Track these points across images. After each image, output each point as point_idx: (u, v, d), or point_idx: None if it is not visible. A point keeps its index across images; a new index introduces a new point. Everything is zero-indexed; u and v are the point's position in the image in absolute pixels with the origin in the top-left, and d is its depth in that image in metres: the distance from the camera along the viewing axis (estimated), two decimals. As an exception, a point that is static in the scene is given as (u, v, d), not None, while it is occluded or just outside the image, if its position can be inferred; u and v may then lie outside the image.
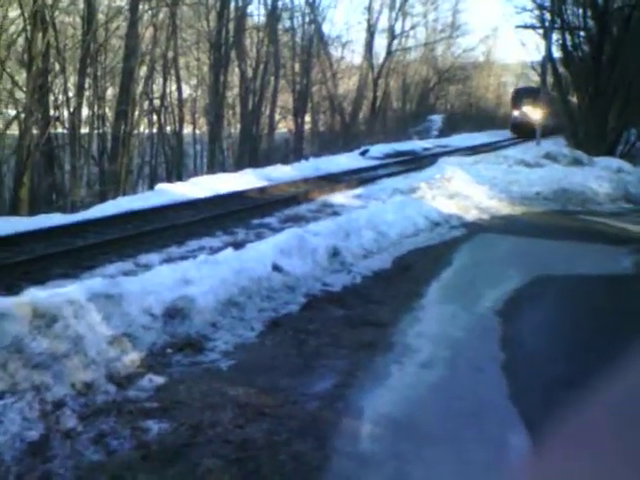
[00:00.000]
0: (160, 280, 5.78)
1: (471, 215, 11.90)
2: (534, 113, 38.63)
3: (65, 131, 20.30)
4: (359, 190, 15.78)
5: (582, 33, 24.19)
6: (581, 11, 23.93)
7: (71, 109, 19.96)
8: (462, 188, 13.77)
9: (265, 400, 4.31)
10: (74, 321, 4.58)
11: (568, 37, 24.36)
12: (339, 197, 14.71)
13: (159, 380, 4.50)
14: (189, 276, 5.98)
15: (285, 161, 23.84)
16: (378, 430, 4.05)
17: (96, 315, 4.81)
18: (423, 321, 6.14)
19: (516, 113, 44.52)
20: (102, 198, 17.12)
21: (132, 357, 4.71)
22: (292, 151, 33.55)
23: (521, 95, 45.17)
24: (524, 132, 39.97)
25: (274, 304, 6.31)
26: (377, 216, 9.88)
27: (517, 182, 14.84)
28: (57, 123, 19.84)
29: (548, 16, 24.67)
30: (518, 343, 5.69)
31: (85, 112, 21.33)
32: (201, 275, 6.06)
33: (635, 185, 15.48)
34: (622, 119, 21.81)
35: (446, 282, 7.66)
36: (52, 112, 19.52)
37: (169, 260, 8.20)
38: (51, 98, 19.69)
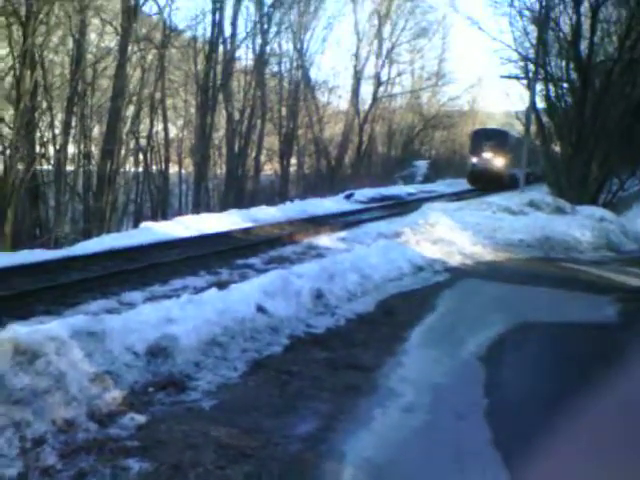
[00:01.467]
0: (143, 318, 5.75)
1: (455, 260, 11.94)
2: (497, 160, 36.35)
3: (51, 168, 20.31)
4: (344, 233, 15.82)
5: (565, 85, 24.58)
6: (564, 63, 24.36)
7: (57, 146, 20.02)
8: (446, 234, 13.83)
9: (247, 441, 4.27)
10: (56, 358, 4.54)
11: (552, 88, 24.75)
12: (324, 240, 14.73)
13: (141, 419, 4.45)
14: (172, 315, 5.96)
15: (270, 203, 23.91)
16: (360, 474, 4.02)
17: (78, 352, 4.78)
18: (406, 365, 6.13)
19: (475, 160, 37.60)
20: (86, 235, 17.10)
21: (114, 395, 4.67)
22: (277, 193, 33.70)
23: (481, 138, 38.32)
24: (484, 182, 34.86)
25: (257, 345, 6.29)
26: (361, 260, 9.90)
27: (501, 229, 14.94)
28: (43, 160, 19.85)
29: (532, 67, 25.03)
30: (501, 390, 5.69)
31: (71, 150, 21.38)
32: (185, 314, 6.04)
33: (617, 234, 15.62)
34: (604, 168, 22.06)
35: (429, 327, 7.66)
36: (38, 149, 19.54)
37: (152, 299, 8.17)
38: (37, 135, 19.73)
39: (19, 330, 4.71)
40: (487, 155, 36.77)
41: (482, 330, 7.50)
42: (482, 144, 37.34)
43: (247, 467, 3.94)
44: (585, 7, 23.13)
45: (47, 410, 4.11)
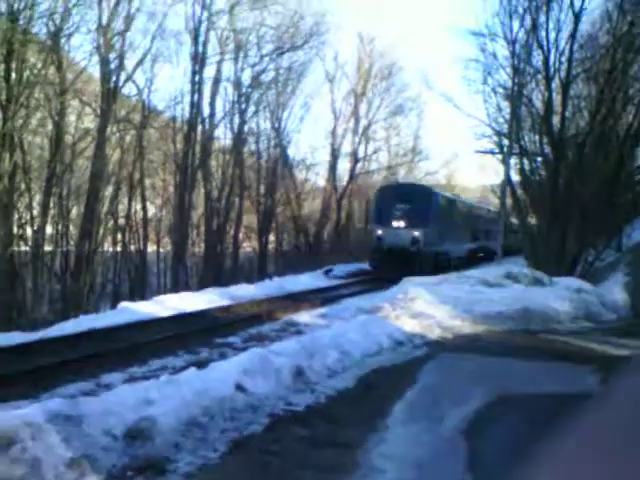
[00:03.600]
0: (121, 400, 5.69)
1: (434, 334, 11.93)
2: (412, 232, 25.75)
3: (28, 249, 20.25)
4: (323, 309, 15.82)
5: (539, 158, 25.08)
6: (537, 137, 24.90)
7: (35, 227, 20.00)
8: (425, 307, 13.85)
9: (227, 524, 4.20)
10: (32, 444, 4.47)
11: (526, 162, 25.24)
12: (303, 316, 14.72)
13: (118, 504, 4.38)
14: (151, 396, 5.90)
15: (249, 280, 23.92)
16: None
17: (55, 437, 4.71)
18: (388, 441, 6.07)
19: (380, 231, 26.41)
20: (64, 316, 16.96)
21: (91, 480, 4.59)
22: (256, 270, 33.72)
23: (391, 200, 26.78)
24: (391, 265, 24.13)
25: (237, 424, 6.22)
26: (341, 336, 9.88)
27: (479, 302, 14.95)
28: (20, 241, 19.80)
29: (506, 142, 25.56)
30: (483, 464, 5.64)
31: (49, 230, 21.38)
32: (163, 395, 5.98)
33: (595, 304, 15.69)
34: (580, 240, 22.34)
35: (410, 402, 7.62)
36: (16, 230, 19.51)
37: (131, 380, 8.10)
38: (15, 216, 19.72)
39: (-6, 415, 4.65)
40: (398, 224, 26.20)
41: (463, 404, 7.47)
42: (393, 208, 26.39)
43: None
44: (556, 84, 23.90)
45: (22, 498, 4.03)
